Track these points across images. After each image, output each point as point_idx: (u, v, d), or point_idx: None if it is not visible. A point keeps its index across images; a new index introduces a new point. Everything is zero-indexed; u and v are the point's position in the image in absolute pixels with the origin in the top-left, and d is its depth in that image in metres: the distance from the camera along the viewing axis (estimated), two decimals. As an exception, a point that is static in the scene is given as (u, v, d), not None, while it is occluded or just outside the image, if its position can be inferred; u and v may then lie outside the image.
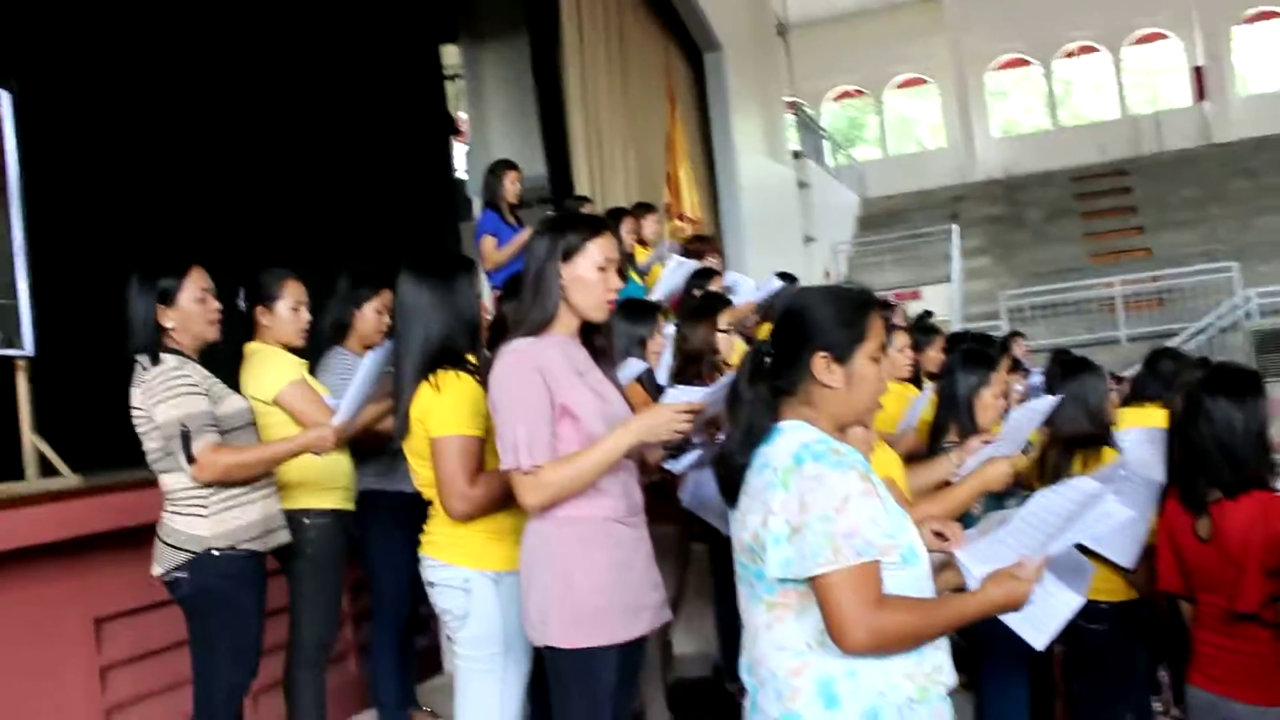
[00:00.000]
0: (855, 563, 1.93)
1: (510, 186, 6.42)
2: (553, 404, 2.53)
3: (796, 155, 18.56)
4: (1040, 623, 2.26)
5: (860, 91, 27.11)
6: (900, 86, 26.95)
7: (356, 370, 3.37)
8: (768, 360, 2.19)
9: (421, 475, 2.86)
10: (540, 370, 2.53)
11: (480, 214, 6.61)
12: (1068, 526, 2.16)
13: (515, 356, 2.56)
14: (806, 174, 18.35)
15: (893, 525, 2.03)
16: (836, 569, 1.93)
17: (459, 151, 10.81)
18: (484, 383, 2.69)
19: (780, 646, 2.06)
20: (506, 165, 6.58)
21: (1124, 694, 4.22)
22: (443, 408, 2.73)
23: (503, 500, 2.71)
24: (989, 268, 20.32)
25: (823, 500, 1.96)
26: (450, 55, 10.85)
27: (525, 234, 6.09)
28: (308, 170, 6.66)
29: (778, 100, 17.47)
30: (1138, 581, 3.67)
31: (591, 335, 2.73)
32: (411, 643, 4.50)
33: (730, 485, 2.18)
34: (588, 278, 2.61)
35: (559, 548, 2.56)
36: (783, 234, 16.16)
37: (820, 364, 2.11)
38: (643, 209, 7.33)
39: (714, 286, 5.79)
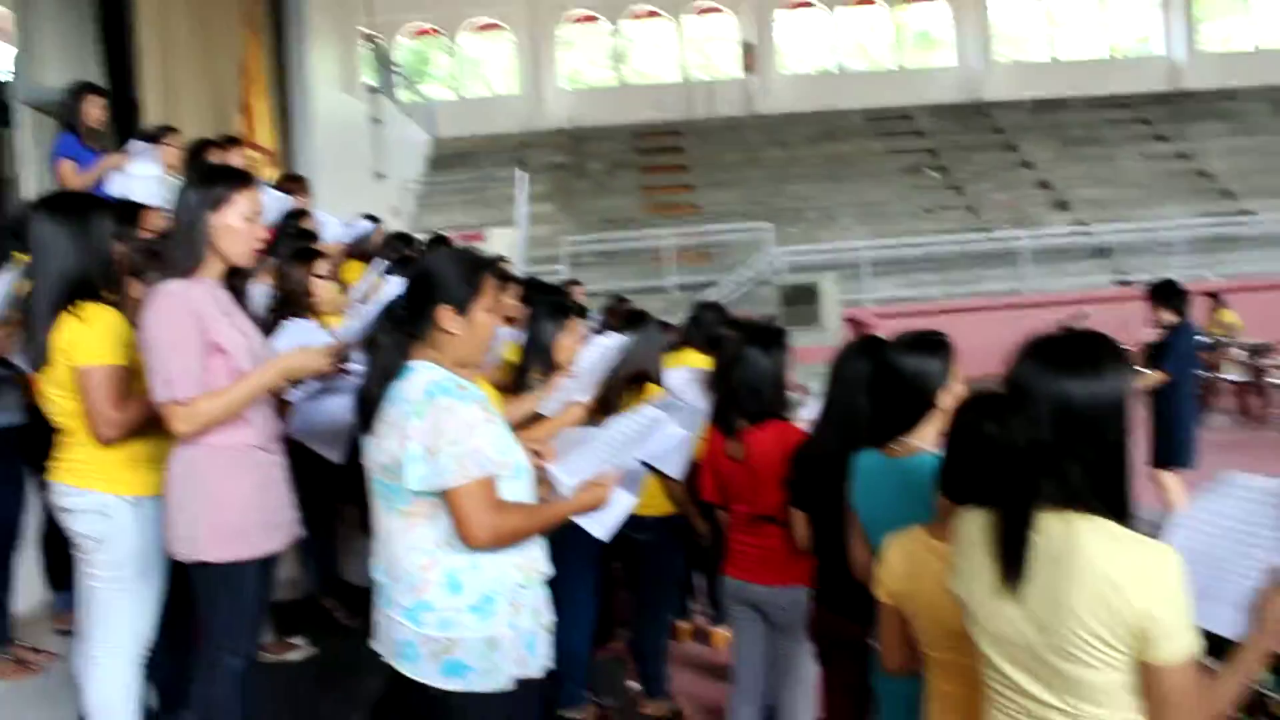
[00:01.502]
0: (479, 477, 2.42)
1: (91, 110, 6.22)
2: (204, 342, 2.79)
3: (371, 90, 18.49)
4: (605, 520, 2.87)
5: (436, 30, 27.12)
6: (476, 30, 27.24)
7: None
8: (401, 311, 2.61)
9: (61, 405, 2.98)
10: (192, 311, 2.78)
11: (58, 137, 6.35)
12: (637, 444, 2.76)
13: (168, 298, 2.79)
14: (379, 109, 18.25)
15: (506, 446, 2.54)
16: (464, 482, 2.40)
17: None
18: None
19: (413, 548, 2.50)
20: (88, 88, 6.36)
21: (667, 595, 5.05)
22: (90, 338, 2.88)
23: (142, 427, 2.92)
24: (552, 214, 21.03)
25: (452, 427, 2.42)
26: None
27: (108, 160, 5.96)
28: None
29: (354, 32, 17.32)
30: (677, 496, 4.45)
31: (233, 279, 2.99)
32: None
33: (368, 416, 2.58)
34: (236, 227, 2.88)
35: (207, 472, 2.84)
36: (354, 170, 16.05)
37: (444, 315, 2.56)
38: (231, 142, 7.31)
39: (305, 225, 5.98)
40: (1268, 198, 21.00)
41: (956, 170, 22.61)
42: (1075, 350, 1.91)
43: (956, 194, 21.94)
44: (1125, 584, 1.79)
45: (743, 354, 3.77)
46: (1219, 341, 13.36)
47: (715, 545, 4.24)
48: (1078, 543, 1.84)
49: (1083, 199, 21.24)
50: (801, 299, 15.41)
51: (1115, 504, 1.87)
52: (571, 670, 4.66)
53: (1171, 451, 6.91)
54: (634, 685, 5.10)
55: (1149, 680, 1.82)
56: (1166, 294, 7.05)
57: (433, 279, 2.59)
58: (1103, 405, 1.86)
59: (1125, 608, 1.78)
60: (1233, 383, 13.13)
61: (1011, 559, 1.90)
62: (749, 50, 25.71)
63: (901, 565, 2.46)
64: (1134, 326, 7.15)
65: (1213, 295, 14.62)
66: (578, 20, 26.77)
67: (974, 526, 2.03)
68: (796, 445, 3.56)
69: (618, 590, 5.50)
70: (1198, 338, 8.22)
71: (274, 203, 6.20)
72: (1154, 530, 2.03)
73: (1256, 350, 13.09)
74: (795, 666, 3.77)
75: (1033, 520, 1.88)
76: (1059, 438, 1.86)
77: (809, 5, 26.35)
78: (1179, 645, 1.80)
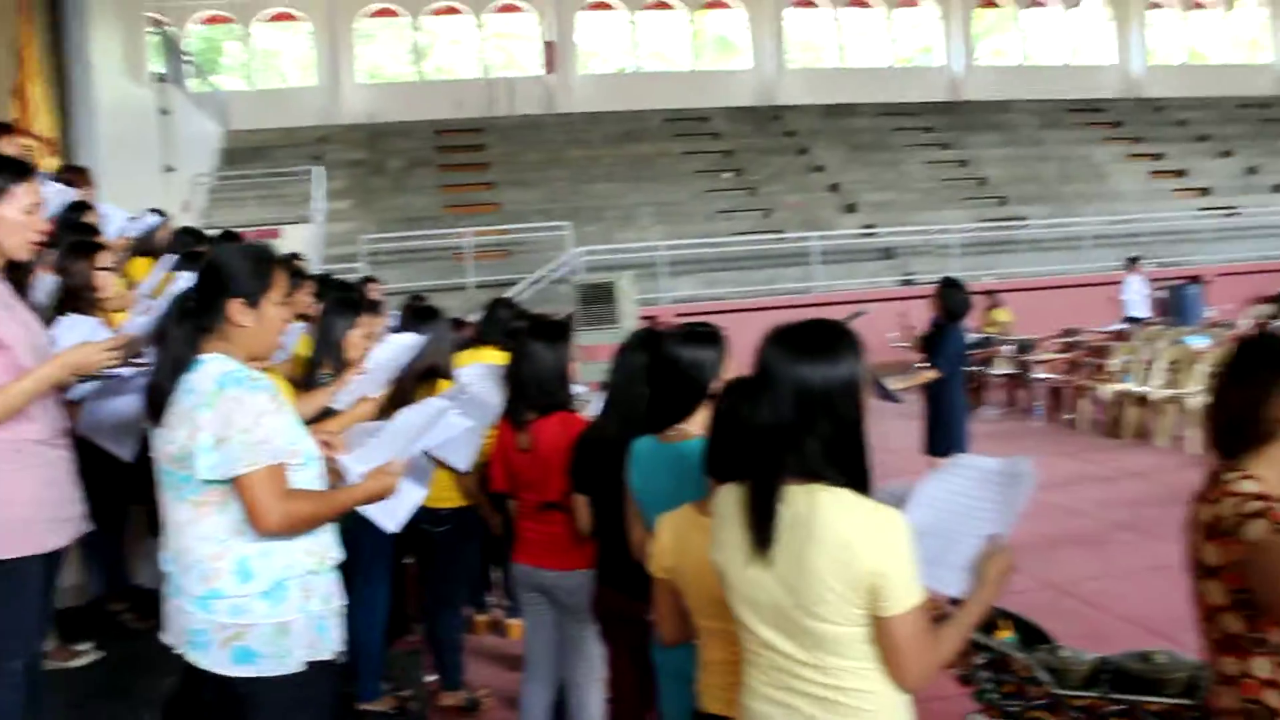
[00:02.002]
0: (268, 464, 2.49)
1: None
2: (-17, 336, 2.75)
3: (160, 79, 17.83)
4: (394, 511, 2.98)
5: (228, 18, 26.24)
6: (270, 20, 26.48)
7: None
8: (191, 304, 2.65)
9: None
10: (-27, 305, 2.74)
11: None
12: (424, 434, 2.88)
13: (-54, 291, 2.75)
14: (168, 99, 17.60)
15: (296, 435, 2.62)
16: (254, 470, 2.47)
17: None
18: None
19: (204, 537, 2.55)
20: None
21: (462, 586, 5.16)
22: None
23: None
24: (350, 211, 20.72)
25: (242, 417, 2.48)
26: None
27: None
28: None
29: (140, 18, 16.67)
30: (469, 488, 4.57)
31: (15, 272, 2.96)
32: None
33: (158, 408, 2.61)
34: (15, 219, 2.85)
35: (-10, 467, 2.79)
36: (141, 162, 15.45)
37: (235, 308, 2.61)
38: (3, 129, 7.01)
39: (87, 219, 5.80)
40: (1037, 204, 22.51)
41: (751, 172, 23.33)
42: (814, 338, 2.13)
43: (751, 195, 22.65)
44: (858, 545, 2.01)
45: (528, 348, 3.92)
46: (991, 339, 14.25)
47: (508, 537, 4.38)
48: (818, 510, 2.05)
49: (870, 202, 22.24)
50: (599, 298, 15.64)
51: (853, 475, 2.10)
52: (367, 663, 4.72)
53: (946, 441, 7.36)
54: (431, 677, 5.19)
55: (882, 632, 2.05)
56: (948, 293, 7.46)
57: (223, 272, 2.64)
58: (838, 387, 2.08)
59: (858, 566, 2.01)
60: (1002, 377, 14.02)
61: (761, 527, 2.10)
62: (550, 49, 25.80)
63: (672, 541, 2.65)
64: (916, 325, 7.60)
65: (988, 294, 15.54)
66: (376, 14, 26.34)
67: (729, 500, 2.23)
68: (579, 433, 3.73)
69: (412, 584, 5.57)
70: (968, 336, 8.76)
71: (54, 194, 6.00)
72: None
73: (1023, 347, 14.03)
74: (583, 648, 3.94)
75: (779, 492, 2.09)
76: (800, 416, 2.07)
77: (609, 7, 26.68)
78: (906, 599, 2.03)
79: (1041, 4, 28.98)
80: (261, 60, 27.24)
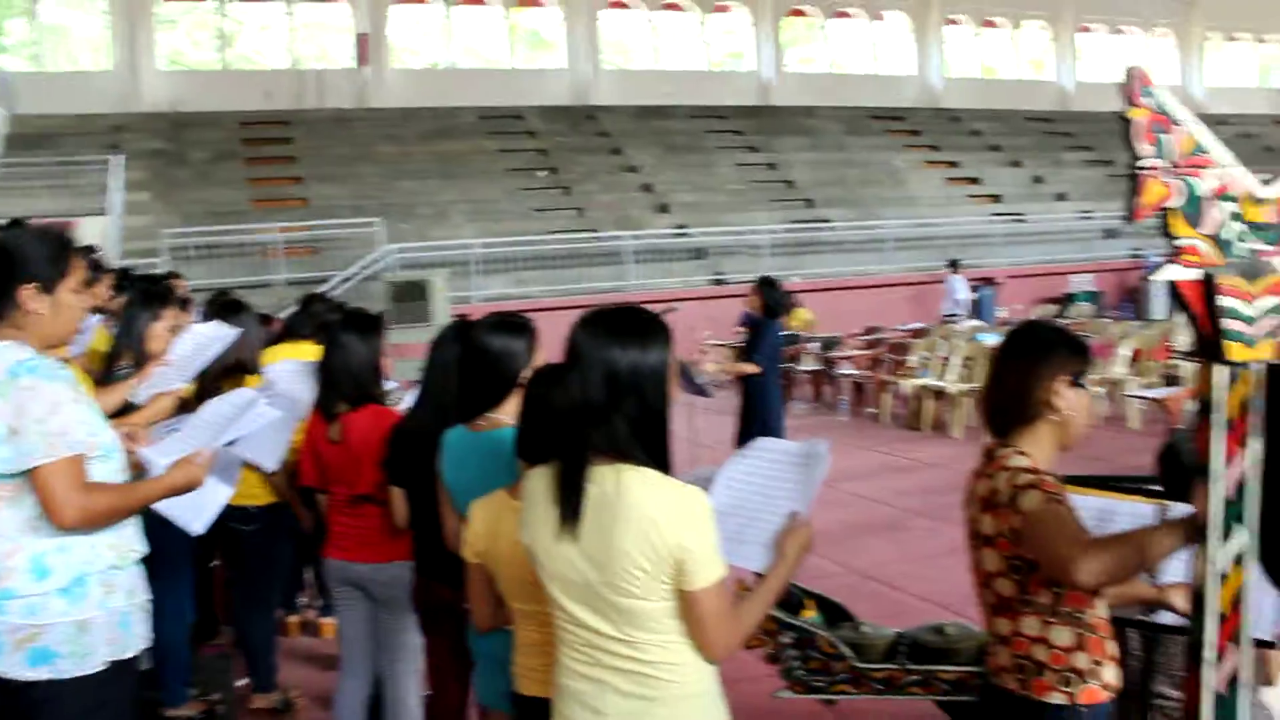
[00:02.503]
0: (66, 456, 2.40)
1: None
2: None
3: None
4: (198, 511, 2.90)
5: (8, -5, 24.57)
6: (59, -3, 24.93)
7: None
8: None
9: None
10: None
11: None
12: (231, 425, 2.82)
13: None
14: (-55, 80, 16.49)
15: (96, 426, 2.52)
16: (50, 461, 2.38)
17: None
18: None
19: (-6, 533, 2.44)
20: None
21: (273, 586, 5.04)
22: None
23: None
24: (150, 204, 19.90)
25: (37, 406, 2.38)
26: None
27: None
28: None
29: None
30: (278, 484, 4.48)
31: None
32: None
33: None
34: None
35: None
36: (-86, 146, 14.48)
37: (28, 294, 2.50)
38: None
39: None
40: (841, 207, 23.30)
41: (565, 171, 23.42)
42: (626, 322, 2.19)
43: (565, 194, 22.73)
44: (662, 521, 2.08)
45: (341, 340, 3.88)
46: (797, 336, 14.71)
47: (319, 535, 4.31)
48: (624, 489, 2.11)
49: (682, 203, 22.61)
50: (412, 295, 15.47)
51: (657, 455, 2.16)
52: (172, 667, 4.58)
53: (762, 435, 7.57)
54: (242, 681, 5.06)
55: (687, 605, 2.12)
56: (766, 290, 7.71)
57: (14, 256, 2.52)
58: (647, 370, 2.15)
59: (662, 542, 2.07)
60: (808, 373, 14.49)
61: (569, 505, 2.15)
62: (363, 42, 25.25)
63: (485, 526, 2.68)
64: (725, 322, 7.84)
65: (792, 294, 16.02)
66: (180, -5, 25.12)
67: (539, 480, 2.27)
68: (393, 426, 3.71)
69: (220, 585, 5.42)
70: (781, 333, 9.05)
71: None
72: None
73: (827, 344, 14.53)
74: (400, 640, 3.92)
75: (587, 470, 2.14)
76: (609, 396, 2.13)
77: (423, 1, 26.32)
78: (710, 573, 2.11)
79: (847, 15, 30.01)
80: (50, 39, 25.59)
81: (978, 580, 2.56)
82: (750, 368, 7.45)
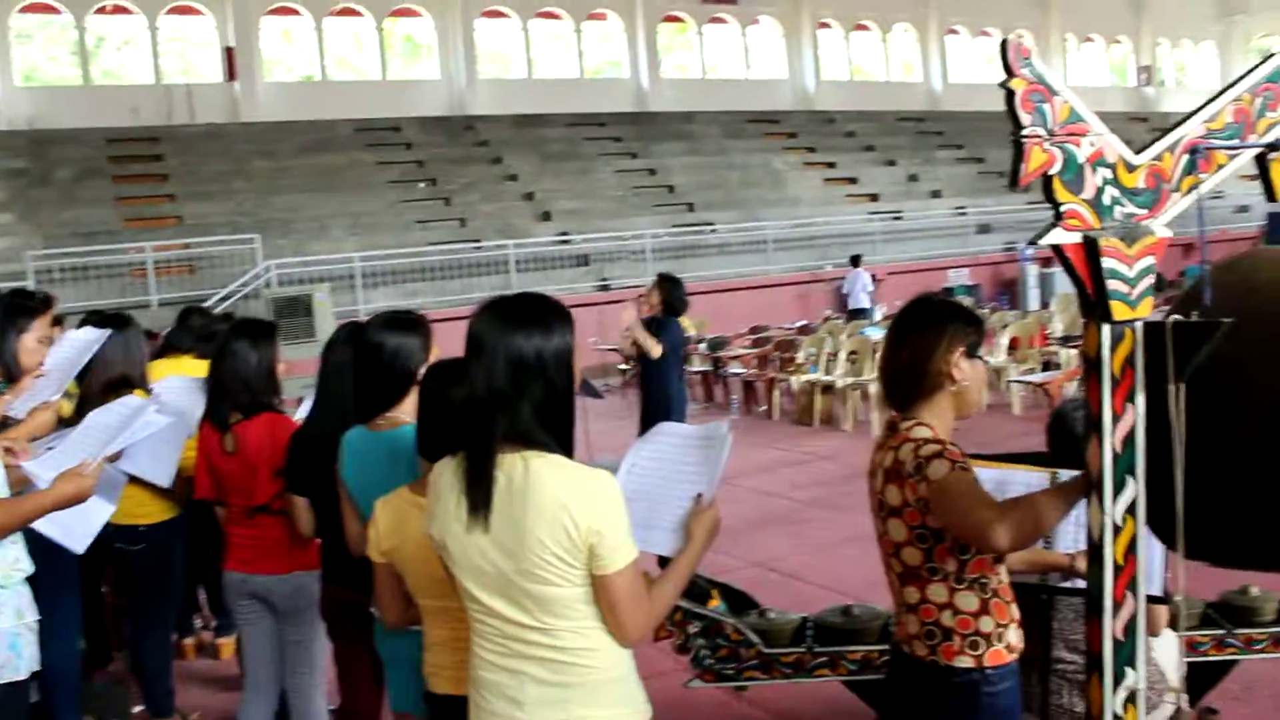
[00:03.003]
0: None
1: None
2: None
3: None
4: (79, 532, 2.81)
5: None
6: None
7: None
8: None
9: None
10: None
11: None
12: (119, 433, 2.74)
13: None
14: None
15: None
16: None
17: None
18: None
19: None
20: None
21: (167, 607, 4.88)
22: None
23: None
24: (13, 225, 19.16)
25: None
26: None
27: None
28: None
29: None
30: (182, 497, 4.34)
31: None
32: None
33: None
34: None
35: None
36: None
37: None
38: None
39: None
40: (722, 210, 23.57)
41: (445, 182, 23.23)
42: (526, 308, 2.20)
43: (446, 205, 22.56)
44: (574, 506, 2.08)
45: (231, 347, 3.78)
46: (689, 338, 14.81)
47: (215, 551, 4.20)
48: (533, 475, 2.11)
49: (564, 210, 22.62)
50: (295, 311, 15.21)
51: (563, 441, 2.17)
52: (61, 695, 4.41)
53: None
54: (139, 708, 4.90)
55: (601, 590, 2.13)
56: (668, 288, 7.76)
57: None
58: (551, 353, 2.15)
59: (575, 527, 2.08)
60: (698, 374, 14.61)
61: (478, 495, 2.13)
62: (230, 55, 24.66)
63: (389, 524, 2.65)
64: (612, 327, 7.82)
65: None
66: (30, 9, 24.06)
67: (446, 472, 2.25)
68: (291, 434, 3.64)
69: (109, 610, 5.25)
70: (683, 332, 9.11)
71: None
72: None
73: (715, 345, 14.68)
74: (305, 653, 3.84)
75: (494, 458, 2.13)
76: (514, 382, 2.12)
77: (294, 13, 25.86)
78: (621, 556, 2.12)
79: (722, 21, 30.38)
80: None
81: (885, 551, 2.61)
82: (656, 349, 7.41)
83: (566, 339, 2.18)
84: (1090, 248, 1.94)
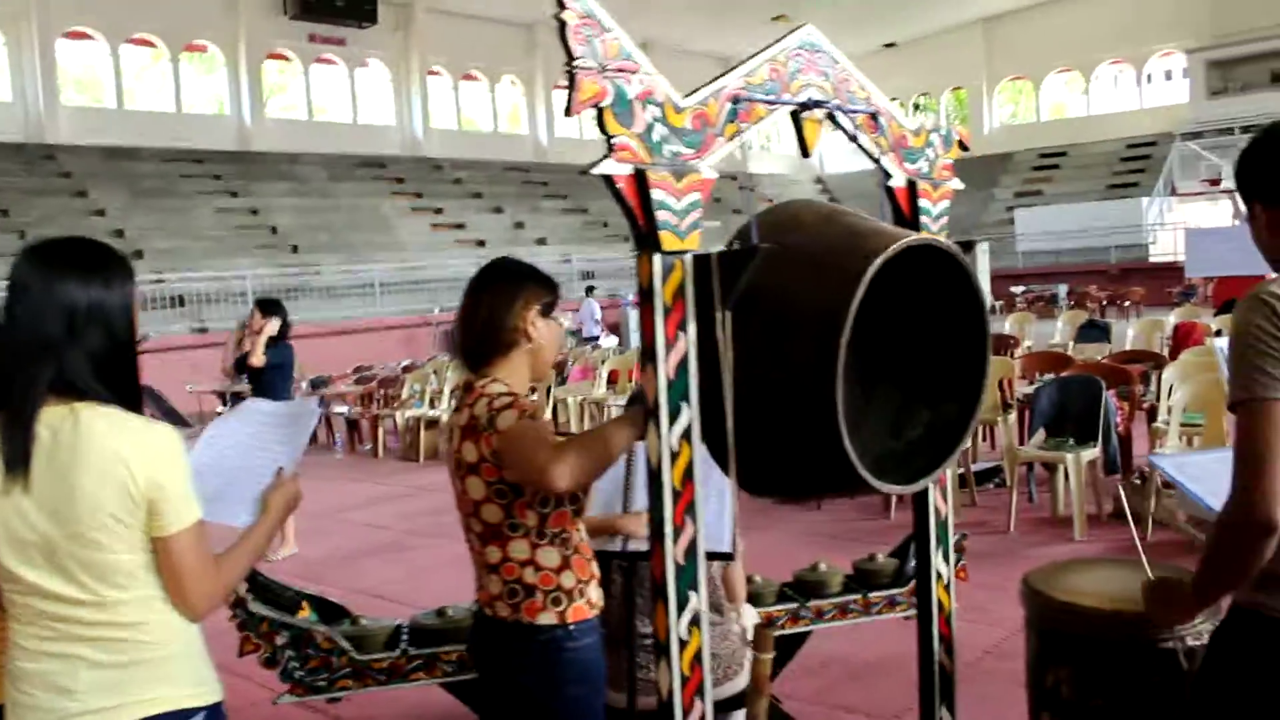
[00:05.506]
0: None
1: None
2: None
3: None
4: None
5: None
6: None
7: None
8: None
9: None
10: None
11: None
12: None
13: None
14: None
15: None
16: None
17: None
18: None
19: None
20: None
21: None
22: None
23: None
24: None
25: None
26: None
27: None
28: None
29: None
30: None
31: None
32: None
33: None
34: None
35: None
36: None
37: None
38: None
39: None
40: (328, 252, 23.07)
41: (20, 214, 21.28)
42: (81, 254, 2.03)
43: (20, 239, 20.62)
44: (133, 460, 1.92)
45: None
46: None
47: None
48: (84, 427, 1.93)
49: (157, 249, 21.33)
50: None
51: (125, 393, 2.01)
52: None
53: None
54: None
55: (162, 554, 1.96)
56: (274, 311, 7.80)
57: None
58: (112, 302, 2.00)
59: (133, 481, 1.91)
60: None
61: (16, 450, 1.92)
62: None
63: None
64: (210, 370, 7.54)
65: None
66: None
67: None
68: None
69: None
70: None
71: None
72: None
73: (316, 383, 14.27)
74: None
75: (36, 410, 1.93)
76: (66, 331, 1.95)
77: None
78: (185, 516, 1.97)
79: (330, 61, 29.87)
80: None
81: (464, 512, 2.60)
82: (259, 359, 7.53)
83: (126, 286, 2.04)
84: (640, 179, 2.03)
